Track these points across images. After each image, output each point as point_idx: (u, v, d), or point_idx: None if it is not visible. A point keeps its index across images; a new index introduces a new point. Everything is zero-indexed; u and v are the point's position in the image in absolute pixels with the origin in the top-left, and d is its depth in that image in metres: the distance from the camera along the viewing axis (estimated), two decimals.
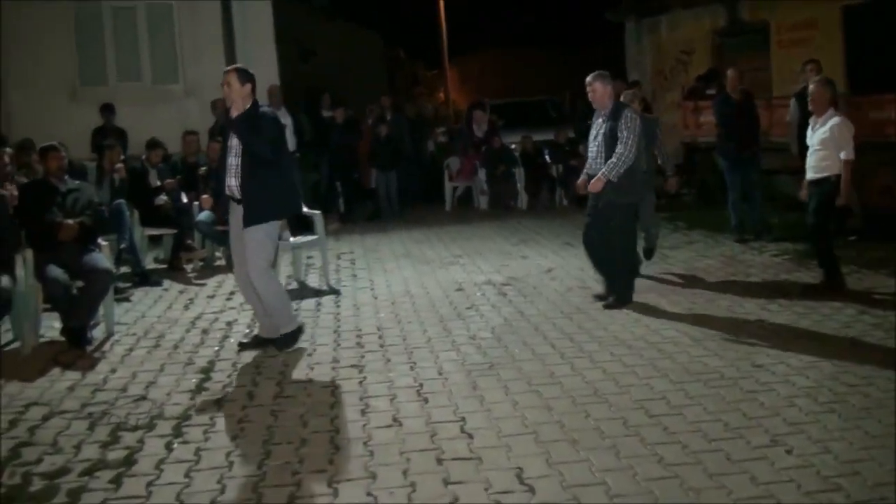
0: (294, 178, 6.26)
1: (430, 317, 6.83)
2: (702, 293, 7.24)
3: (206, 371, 5.63)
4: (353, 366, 5.60)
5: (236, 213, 5.96)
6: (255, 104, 5.89)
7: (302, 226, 9.36)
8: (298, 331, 6.13)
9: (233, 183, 5.89)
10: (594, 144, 6.87)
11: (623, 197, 6.75)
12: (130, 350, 6.20)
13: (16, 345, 6.46)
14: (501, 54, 28.60)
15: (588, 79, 6.90)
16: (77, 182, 7.06)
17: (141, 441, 4.45)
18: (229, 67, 6.06)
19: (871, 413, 4.41)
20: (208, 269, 9.25)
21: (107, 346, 6.37)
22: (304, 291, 8.07)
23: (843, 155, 6.85)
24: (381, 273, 8.81)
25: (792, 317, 6.36)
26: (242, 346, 6.12)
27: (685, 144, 13.44)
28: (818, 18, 12.72)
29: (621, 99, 7.50)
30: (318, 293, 7.95)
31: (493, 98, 18.19)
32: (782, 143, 10.89)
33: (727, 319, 6.38)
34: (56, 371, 5.80)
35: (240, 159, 5.83)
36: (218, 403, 4.98)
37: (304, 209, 8.68)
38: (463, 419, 4.53)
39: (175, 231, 9.31)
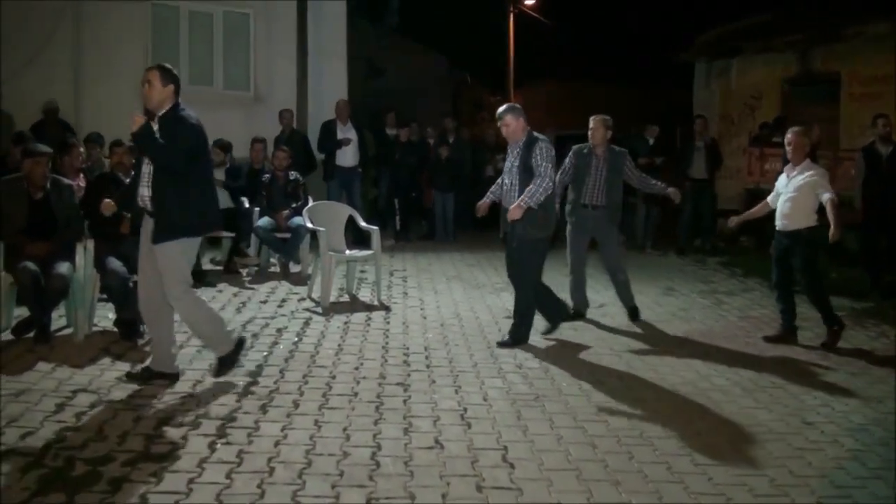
0: (213, 191, 5.61)
1: (477, 341, 6.81)
2: (755, 343, 7.12)
3: (254, 375, 5.67)
4: (398, 384, 5.59)
5: (147, 226, 5.44)
6: (175, 107, 5.31)
7: (358, 240, 9.45)
8: (238, 348, 5.67)
9: (145, 193, 5.35)
10: (508, 177, 6.73)
11: (535, 232, 6.59)
12: (181, 347, 6.25)
13: (68, 331, 6.60)
14: (567, 86, 28.44)
15: (499, 111, 6.77)
16: None
17: (185, 438, 4.49)
18: (151, 66, 5.45)
19: None
20: (263, 275, 9.37)
21: None
22: (355, 305, 8.12)
23: (826, 196, 6.80)
24: (432, 293, 8.83)
25: (844, 376, 6.22)
26: (130, 377, 5.53)
27: (748, 191, 13.28)
28: (893, 74, 12.53)
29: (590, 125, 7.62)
30: (368, 308, 7.99)
31: (556, 129, 18.15)
32: (846, 196, 10.72)
33: (779, 372, 6.24)
34: (106, 360, 5.91)
35: (152, 167, 5.32)
36: (263, 408, 5.01)
37: (363, 224, 8.79)
38: (505, 448, 4.50)
39: (233, 235, 9.45)
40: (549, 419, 4.99)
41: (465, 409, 5.10)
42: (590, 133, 7.69)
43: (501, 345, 6.66)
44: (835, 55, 13.95)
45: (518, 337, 6.75)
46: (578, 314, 7.77)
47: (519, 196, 6.51)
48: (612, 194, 7.59)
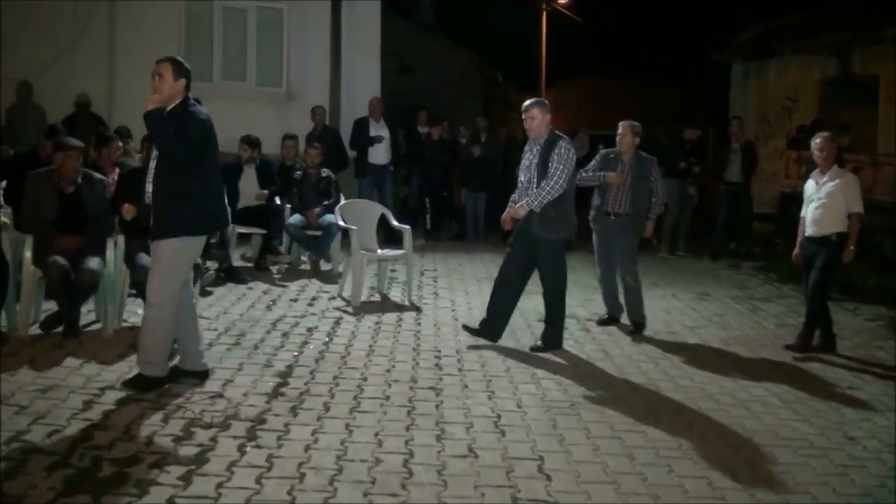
0: (220, 189, 5.46)
1: (510, 345, 6.69)
2: (792, 352, 6.95)
3: (284, 375, 5.59)
4: (430, 388, 5.49)
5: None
6: (185, 101, 5.16)
7: (389, 239, 9.36)
8: (159, 381, 5.20)
9: (149, 189, 5.20)
10: (525, 174, 6.63)
11: (550, 232, 6.48)
12: (210, 345, 6.19)
13: (97, 326, 6.56)
14: (599, 84, 28.31)
15: (526, 103, 6.65)
16: None
17: (214, 440, 4.41)
18: (163, 58, 5.25)
19: None
20: (293, 273, 9.31)
21: None
22: (385, 305, 8.02)
23: (854, 209, 6.72)
24: (463, 294, 8.72)
25: (884, 388, 6.06)
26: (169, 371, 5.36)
27: (784, 194, 13.06)
28: None
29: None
30: (399, 308, 7.89)
31: (588, 129, 18.00)
32: (885, 201, 10.52)
33: (818, 383, 6.10)
34: (135, 357, 5.78)
35: (155, 162, 5.18)
36: (293, 410, 4.92)
37: (395, 223, 8.70)
38: (541, 458, 4.38)
39: (265, 232, 9.40)
40: (586, 428, 4.87)
41: (499, 416, 4.99)
42: (617, 139, 7.54)
43: (535, 349, 6.55)
44: (874, 57, 13.72)
45: (551, 341, 6.63)
46: (613, 319, 7.64)
47: None
48: (636, 203, 7.41)
